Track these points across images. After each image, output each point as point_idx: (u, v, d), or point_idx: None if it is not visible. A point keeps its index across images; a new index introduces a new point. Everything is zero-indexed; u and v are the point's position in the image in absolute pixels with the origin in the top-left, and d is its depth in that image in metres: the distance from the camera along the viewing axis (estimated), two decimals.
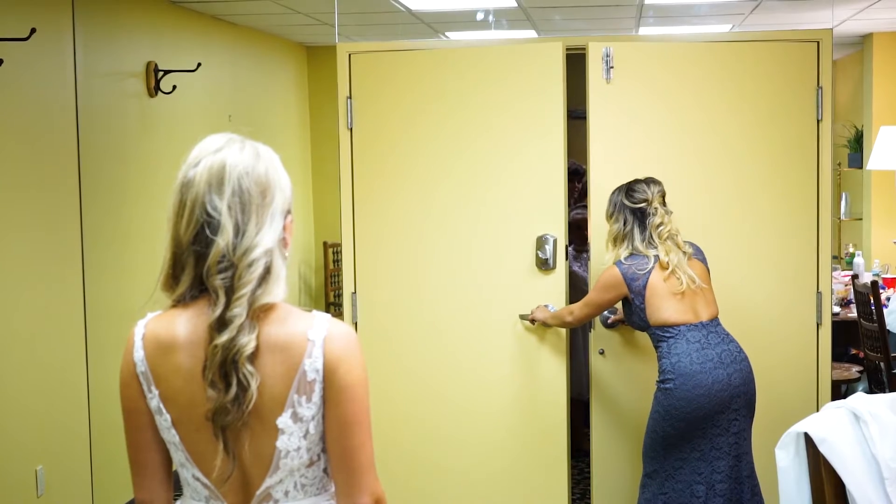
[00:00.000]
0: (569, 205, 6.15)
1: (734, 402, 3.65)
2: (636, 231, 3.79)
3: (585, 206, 5.98)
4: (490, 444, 4.33)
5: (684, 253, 3.77)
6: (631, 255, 3.78)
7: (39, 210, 4.52)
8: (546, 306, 4.24)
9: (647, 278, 3.70)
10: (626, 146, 4.22)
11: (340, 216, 4.38)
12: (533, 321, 4.24)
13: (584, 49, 4.30)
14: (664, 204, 3.84)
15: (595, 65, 4.20)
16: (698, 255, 3.85)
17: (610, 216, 3.88)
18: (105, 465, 4.93)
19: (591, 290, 3.92)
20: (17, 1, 4.36)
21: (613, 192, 3.90)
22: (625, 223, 3.81)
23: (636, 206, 3.80)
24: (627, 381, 4.26)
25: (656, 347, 3.77)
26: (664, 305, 3.70)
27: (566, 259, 4.27)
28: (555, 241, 4.24)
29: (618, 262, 3.79)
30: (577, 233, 5.92)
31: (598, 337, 4.26)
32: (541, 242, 4.24)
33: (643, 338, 4.13)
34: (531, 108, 4.23)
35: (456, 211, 4.30)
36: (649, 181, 3.86)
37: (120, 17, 5.31)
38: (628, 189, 3.84)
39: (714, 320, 3.75)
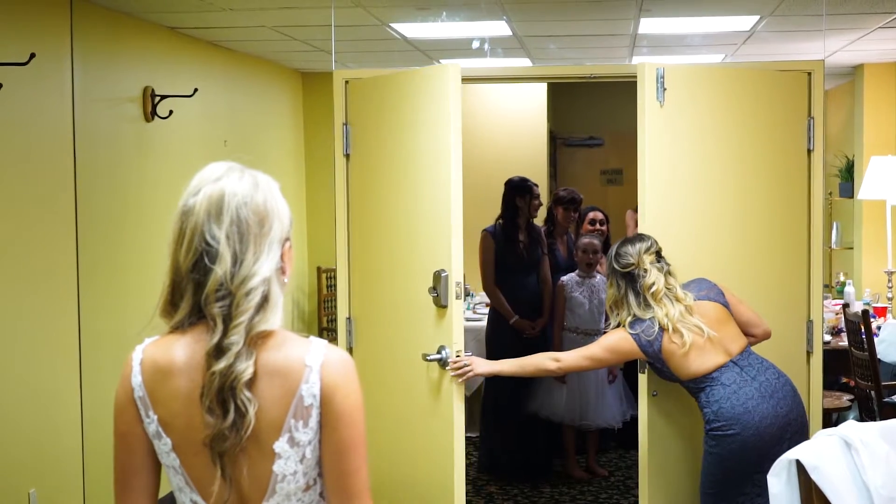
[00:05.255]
0: (552, 235, 6.23)
1: (786, 431, 3.56)
2: (630, 295, 3.71)
3: (596, 232, 6.12)
4: (394, 483, 4.16)
5: (685, 306, 3.67)
6: (635, 319, 3.69)
7: (35, 233, 4.53)
8: (442, 348, 3.90)
9: (660, 343, 3.62)
10: (674, 168, 4.10)
11: (335, 241, 4.39)
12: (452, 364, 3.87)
13: (574, 78, 4.30)
14: (659, 259, 3.76)
15: (650, 86, 4.03)
16: (710, 293, 3.73)
17: (607, 278, 3.83)
18: (98, 489, 4.90)
19: (597, 346, 3.77)
20: (16, 26, 4.40)
21: (609, 251, 3.85)
22: (619, 288, 3.74)
23: (624, 270, 3.73)
24: (682, 423, 4.09)
25: (696, 399, 3.67)
26: (685, 362, 3.61)
27: (458, 297, 3.89)
28: (446, 277, 3.88)
29: (629, 327, 3.69)
30: (586, 258, 5.93)
31: (652, 378, 4.01)
32: (435, 278, 3.90)
33: None
34: (426, 135, 4.03)
35: (405, 243, 4.16)
36: (636, 240, 3.78)
37: (118, 42, 5.34)
38: (616, 253, 3.78)
39: (745, 351, 3.66)
